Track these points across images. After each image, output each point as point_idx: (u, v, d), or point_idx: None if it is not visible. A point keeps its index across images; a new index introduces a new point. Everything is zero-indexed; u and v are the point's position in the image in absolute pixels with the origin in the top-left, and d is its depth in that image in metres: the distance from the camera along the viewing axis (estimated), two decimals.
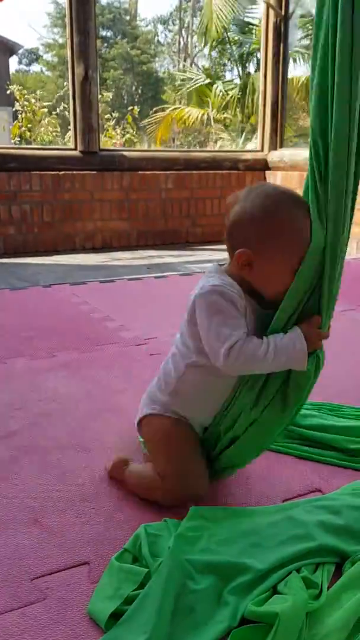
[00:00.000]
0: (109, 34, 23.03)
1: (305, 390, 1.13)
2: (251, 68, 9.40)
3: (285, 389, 1.11)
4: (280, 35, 5.33)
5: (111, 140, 7.60)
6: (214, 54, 11.73)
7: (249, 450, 1.19)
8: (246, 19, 8.88)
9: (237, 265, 1.08)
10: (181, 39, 20.93)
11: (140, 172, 4.84)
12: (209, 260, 4.28)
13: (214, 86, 9.42)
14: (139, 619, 0.88)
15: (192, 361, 1.15)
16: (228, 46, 9.81)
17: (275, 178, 5.29)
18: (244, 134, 8.97)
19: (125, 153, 4.94)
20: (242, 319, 1.07)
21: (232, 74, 11.35)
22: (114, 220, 4.80)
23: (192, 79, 10.06)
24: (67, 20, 4.56)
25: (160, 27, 23.30)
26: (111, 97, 11.95)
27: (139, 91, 21.33)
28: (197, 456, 1.17)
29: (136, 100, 20.24)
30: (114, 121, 8.30)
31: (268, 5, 5.32)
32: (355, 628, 0.86)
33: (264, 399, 1.11)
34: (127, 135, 7.87)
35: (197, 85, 9.78)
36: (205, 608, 0.91)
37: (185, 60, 19.21)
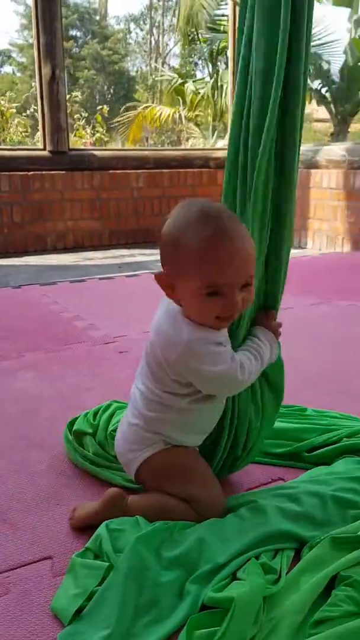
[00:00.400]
0: (79, 33, 22.91)
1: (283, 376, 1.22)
2: (222, 66, 9.45)
3: (267, 383, 1.20)
4: None
5: (82, 139, 7.57)
6: (185, 52, 11.77)
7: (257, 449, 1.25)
8: (215, 17, 8.92)
9: (162, 288, 1.02)
10: (152, 38, 20.91)
11: (110, 171, 4.84)
12: None
13: (185, 85, 9.45)
14: (100, 614, 0.89)
15: (175, 405, 1.09)
16: (198, 44, 9.86)
17: None
18: (216, 132, 9.01)
19: (95, 152, 4.93)
20: (227, 349, 1.06)
21: (203, 72, 11.42)
22: (85, 219, 4.79)
23: (164, 78, 10.09)
24: (33, 20, 4.53)
25: (131, 26, 23.24)
26: (83, 96, 11.90)
27: (111, 90, 21.25)
28: (211, 472, 1.16)
29: (108, 99, 20.17)
30: (84, 121, 8.26)
31: (235, 3, 5.35)
32: (311, 610, 0.89)
33: (257, 400, 1.19)
34: (97, 135, 7.85)
35: (173, 85, 9.79)
36: (169, 600, 0.92)
37: (156, 60, 19.21)
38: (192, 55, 12.13)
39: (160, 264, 1.06)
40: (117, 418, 1.44)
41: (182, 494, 1.09)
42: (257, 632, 0.85)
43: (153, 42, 20.89)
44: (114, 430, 1.35)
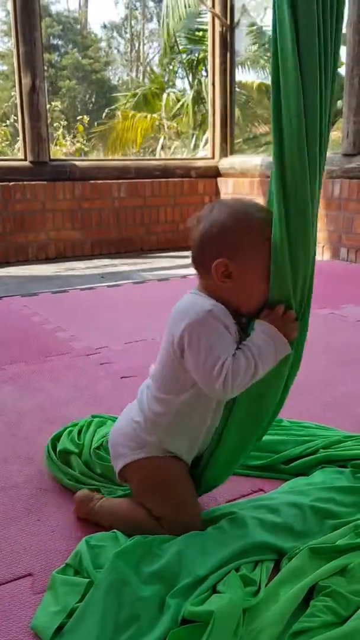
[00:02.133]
0: (61, 42, 22.92)
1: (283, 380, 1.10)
2: (202, 76, 9.54)
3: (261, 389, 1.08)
4: (227, 44, 5.43)
5: (62, 150, 7.56)
6: (166, 61, 11.85)
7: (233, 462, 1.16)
8: (195, 27, 9.01)
9: (216, 279, 1.02)
10: (133, 47, 21.01)
11: (92, 182, 4.84)
12: (164, 268, 4.32)
13: (165, 94, 9.51)
14: (80, 630, 0.89)
15: (185, 397, 1.07)
16: (177, 54, 9.94)
17: (226, 185, 5.37)
18: (194, 140, 9.07)
19: (76, 162, 4.94)
20: (233, 342, 1.02)
21: (184, 82, 11.52)
22: (67, 230, 4.79)
23: (145, 87, 10.14)
24: (12, 30, 4.53)
25: (111, 35, 23.30)
26: (64, 105, 11.87)
27: (93, 100, 21.28)
28: (193, 493, 1.13)
29: (90, 108, 20.18)
30: (64, 130, 8.26)
31: (213, 15, 5.41)
32: (290, 621, 0.89)
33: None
34: (78, 144, 7.85)
35: (144, 92, 9.83)
36: (149, 615, 0.92)
37: (138, 69, 19.29)
38: (172, 65, 12.23)
39: (199, 271, 1.08)
40: (100, 434, 1.43)
41: (157, 509, 1.09)
42: None
43: (134, 51, 20.98)
44: (98, 448, 1.36)
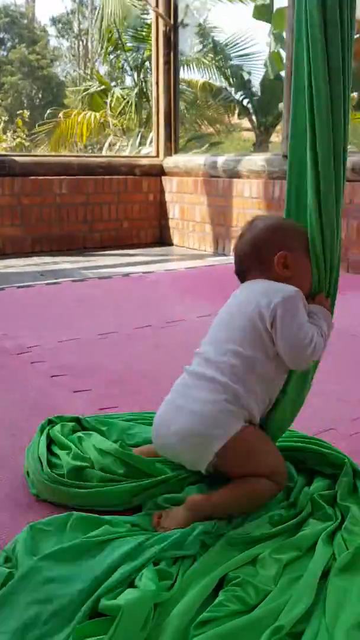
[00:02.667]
0: (7, 36, 22.41)
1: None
2: (148, 74, 9.54)
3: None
4: (171, 43, 5.43)
5: (2, 145, 7.38)
6: (111, 58, 11.77)
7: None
8: (140, 25, 8.98)
9: (277, 269, 1.20)
10: (81, 44, 20.76)
11: (32, 177, 4.75)
12: (106, 266, 4.28)
13: (111, 92, 9.43)
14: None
15: (266, 374, 1.17)
16: (122, 52, 9.88)
17: (171, 183, 5.38)
18: (139, 138, 9.04)
19: (16, 158, 4.83)
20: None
21: (130, 80, 11.46)
22: (6, 226, 4.67)
23: (91, 84, 10.03)
24: None
25: (59, 31, 22.93)
26: (8, 101, 11.61)
27: (40, 95, 20.90)
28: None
29: (36, 104, 19.82)
30: (4, 125, 8.07)
31: (157, 14, 5.40)
32: (198, 612, 0.89)
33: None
34: (18, 140, 7.68)
35: (91, 91, 9.73)
36: (67, 612, 0.89)
37: (86, 65, 19.08)
38: (116, 63, 12.18)
39: (252, 268, 1.25)
40: (100, 439, 1.35)
41: (265, 469, 1.14)
42: (146, 638, 0.85)
43: (82, 48, 20.74)
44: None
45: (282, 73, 4.22)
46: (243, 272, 1.26)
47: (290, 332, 1.14)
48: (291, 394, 1.23)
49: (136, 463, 1.23)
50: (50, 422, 1.42)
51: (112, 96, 9.47)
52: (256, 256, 1.22)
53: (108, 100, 9.48)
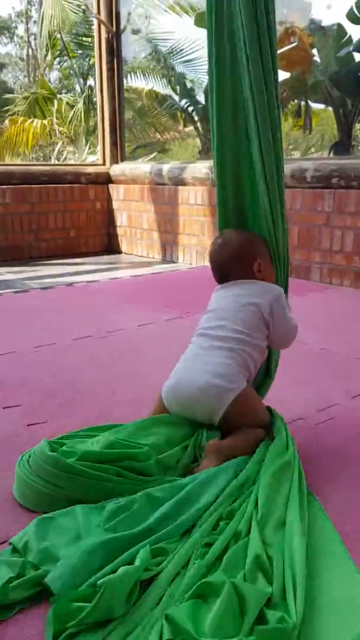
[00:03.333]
0: None
1: None
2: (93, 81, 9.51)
3: None
4: (114, 50, 5.43)
5: None
6: (57, 65, 11.70)
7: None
8: (83, 33, 8.95)
9: (255, 272, 1.57)
10: (29, 50, 20.53)
11: None
12: (51, 275, 4.22)
13: (57, 99, 9.35)
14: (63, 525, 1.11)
15: (261, 346, 1.52)
16: (67, 59, 9.83)
17: (118, 191, 5.36)
18: (88, 146, 8.99)
19: None
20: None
21: (78, 87, 11.38)
22: None
23: (34, 91, 9.92)
24: None
25: (5, 36, 22.58)
26: None
27: None
28: None
29: None
30: None
31: (99, 21, 5.39)
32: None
33: None
34: None
35: (35, 96, 9.63)
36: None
37: (35, 71, 18.87)
38: (64, 70, 12.10)
39: (236, 272, 1.59)
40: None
41: (258, 419, 1.47)
42: (128, 610, 0.93)
43: (30, 53, 20.50)
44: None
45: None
46: (225, 277, 1.61)
47: (284, 323, 1.54)
48: (272, 364, 1.66)
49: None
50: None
51: (59, 103, 9.38)
52: (237, 265, 1.58)
53: (54, 108, 9.38)
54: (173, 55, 8.62)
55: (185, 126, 8.78)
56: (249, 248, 1.58)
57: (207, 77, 8.25)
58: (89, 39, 8.67)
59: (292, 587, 0.93)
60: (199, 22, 7.90)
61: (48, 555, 1.04)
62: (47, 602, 0.98)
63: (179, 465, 1.35)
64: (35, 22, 19.67)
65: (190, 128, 9.95)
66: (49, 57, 10.59)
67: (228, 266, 1.59)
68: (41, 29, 9.04)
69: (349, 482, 1.36)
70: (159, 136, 9.90)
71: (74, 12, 8.49)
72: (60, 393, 1.90)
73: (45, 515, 1.15)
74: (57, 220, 5.18)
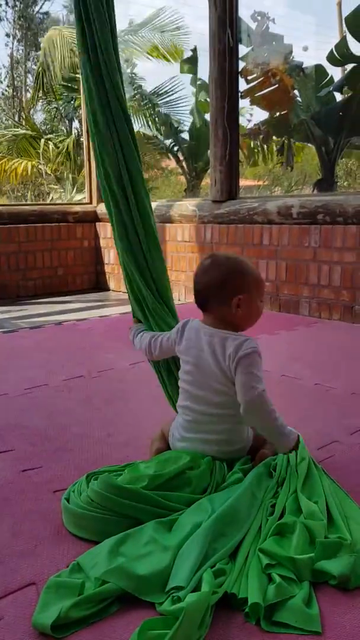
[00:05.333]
0: None
1: None
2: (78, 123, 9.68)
3: None
4: None
5: None
6: (42, 106, 11.91)
7: None
8: (71, 75, 9.14)
9: (233, 308, 1.46)
10: (15, 92, 20.89)
11: None
12: (39, 314, 4.20)
13: (42, 140, 9.47)
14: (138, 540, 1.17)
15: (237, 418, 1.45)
16: (54, 101, 10.02)
17: (105, 229, 5.40)
18: (76, 186, 9.08)
19: None
20: None
21: (64, 128, 11.56)
22: None
23: (25, 132, 10.05)
24: None
25: None
26: None
27: None
28: None
29: None
30: None
31: None
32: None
33: None
34: None
35: (19, 136, 9.75)
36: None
37: (20, 113, 19.18)
38: (44, 111, 12.32)
39: (210, 305, 1.51)
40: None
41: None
42: (202, 633, 0.97)
43: (16, 95, 20.86)
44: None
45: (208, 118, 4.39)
46: (204, 303, 1.51)
47: (243, 378, 1.41)
48: None
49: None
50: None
51: (45, 144, 9.50)
52: (216, 294, 1.48)
53: (40, 150, 9.50)
54: (157, 96, 8.83)
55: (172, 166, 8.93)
56: (233, 279, 1.47)
57: (190, 117, 8.49)
58: (77, 82, 8.86)
59: (343, 521, 1.23)
60: (183, 69, 8.14)
61: (122, 571, 1.07)
62: (105, 621, 1.02)
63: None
64: (17, 62, 20.10)
65: (175, 166, 10.13)
66: (33, 99, 10.80)
67: (207, 294, 1.49)
68: (42, 74, 9.23)
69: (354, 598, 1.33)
70: (146, 174, 10.06)
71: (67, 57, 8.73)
72: (54, 437, 1.85)
73: (115, 537, 1.18)
74: (44, 258, 5.18)
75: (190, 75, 8.09)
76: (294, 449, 1.44)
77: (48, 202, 9.09)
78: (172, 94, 8.75)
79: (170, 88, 8.83)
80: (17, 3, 19.10)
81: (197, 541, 1.14)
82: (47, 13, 20.04)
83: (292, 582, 1.08)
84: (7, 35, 19.43)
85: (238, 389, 1.40)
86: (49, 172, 9.67)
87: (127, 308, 4.44)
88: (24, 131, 9.84)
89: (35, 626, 0.99)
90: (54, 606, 1.01)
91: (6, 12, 19.15)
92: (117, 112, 1.59)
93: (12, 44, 19.82)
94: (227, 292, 1.46)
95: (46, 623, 0.98)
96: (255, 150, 7.97)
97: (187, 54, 8.40)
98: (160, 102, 8.79)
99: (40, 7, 19.92)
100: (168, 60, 8.98)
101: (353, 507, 1.32)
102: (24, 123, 11.48)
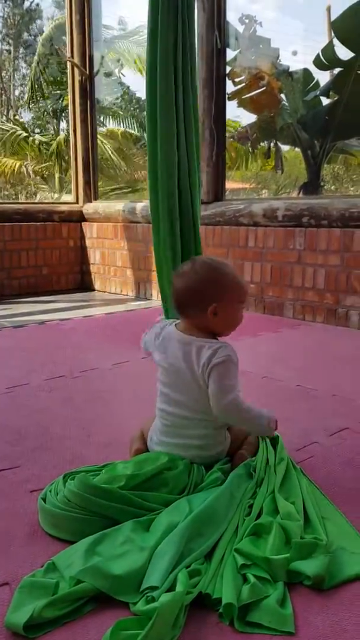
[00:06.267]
0: None
1: None
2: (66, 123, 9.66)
3: None
4: (87, 92, 5.52)
5: None
6: (35, 107, 11.84)
7: None
8: (57, 76, 9.12)
9: (209, 315, 1.44)
10: (2, 91, 20.79)
11: None
12: (23, 313, 4.17)
13: (30, 139, 9.42)
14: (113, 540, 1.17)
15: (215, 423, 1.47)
16: (42, 100, 9.98)
17: (91, 229, 5.38)
18: (64, 185, 9.06)
19: None
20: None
21: (51, 127, 11.52)
22: None
23: (11, 131, 10.00)
24: None
25: None
26: None
27: None
28: None
29: None
30: None
31: (73, 64, 5.49)
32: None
33: None
34: None
35: (19, 138, 9.70)
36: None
37: (8, 112, 19.09)
38: (31, 109, 12.27)
39: (187, 311, 1.50)
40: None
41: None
42: (176, 633, 0.97)
43: (4, 94, 20.75)
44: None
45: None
46: (181, 309, 1.50)
47: (217, 385, 1.41)
48: None
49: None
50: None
51: (31, 143, 9.46)
52: (192, 302, 1.47)
53: (28, 149, 9.46)
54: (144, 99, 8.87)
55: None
56: (209, 287, 1.45)
57: None
58: (63, 81, 8.84)
59: (319, 522, 1.26)
60: None
61: (98, 571, 1.07)
62: (78, 621, 1.02)
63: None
64: (4, 60, 20.00)
65: None
66: (25, 99, 10.75)
67: (183, 301, 1.49)
68: (34, 71, 9.19)
69: (326, 598, 1.34)
70: (132, 175, 10.04)
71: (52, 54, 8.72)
72: (33, 436, 1.84)
73: (92, 536, 1.18)
74: (29, 257, 5.15)
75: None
76: (275, 429, 1.52)
77: (35, 201, 9.07)
78: None
79: None
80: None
81: (173, 541, 1.14)
82: (36, 9, 19.92)
83: (266, 583, 1.09)
84: None
85: (210, 397, 1.40)
86: (36, 172, 9.63)
87: (112, 308, 4.44)
88: (15, 129, 9.78)
89: (7, 626, 0.99)
90: (27, 606, 1.00)
91: None
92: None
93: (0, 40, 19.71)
94: (203, 300, 1.44)
95: (19, 622, 0.97)
96: (242, 153, 8.00)
97: None
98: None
99: (30, 4, 19.83)
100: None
101: (330, 508, 1.35)
102: (12, 122, 11.42)
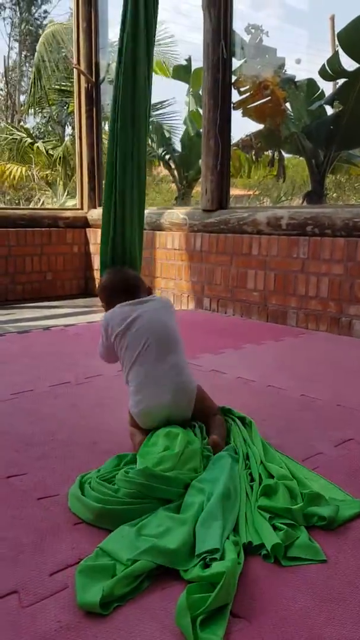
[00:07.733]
0: None
1: None
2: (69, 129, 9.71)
3: None
4: (93, 99, 5.56)
5: None
6: (35, 111, 11.91)
7: None
8: (63, 83, 9.18)
9: (147, 292, 2.02)
10: (8, 97, 20.88)
11: None
12: (27, 319, 4.18)
13: (36, 145, 9.47)
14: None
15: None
16: (47, 107, 10.02)
17: (95, 235, 5.40)
18: (67, 191, 9.09)
19: None
20: None
21: (64, 132, 11.58)
22: None
23: (15, 137, 10.05)
24: None
25: None
26: None
27: None
28: None
29: None
30: None
31: (79, 72, 5.53)
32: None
33: None
34: None
35: (24, 145, 9.74)
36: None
37: (12, 118, 19.17)
38: (37, 115, 12.35)
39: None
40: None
41: (212, 404, 1.88)
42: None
43: (9, 100, 20.84)
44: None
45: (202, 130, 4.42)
46: (134, 289, 1.96)
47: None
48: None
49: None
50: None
51: (36, 149, 9.51)
52: (140, 286, 2.01)
53: (34, 154, 9.50)
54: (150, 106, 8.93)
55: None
56: (140, 279, 2.06)
57: (184, 126, 8.56)
58: (68, 88, 8.89)
59: (306, 481, 1.52)
60: (176, 74, 8.21)
61: (156, 549, 1.19)
62: (140, 597, 1.12)
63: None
64: (13, 68, 20.11)
65: (166, 173, 10.17)
66: (27, 104, 10.79)
67: (137, 285, 2.00)
68: (34, 79, 9.24)
69: (337, 535, 1.35)
70: None
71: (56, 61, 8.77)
72: (39, 443, 1.85)
73: (130, 524, 1.31)
74: (34, 263, 5.17)
75: (181, 82, 8.19)
76: None
77: (39, 206, 9.10)
78: (166, 105, 8.86)
79: (163, 97, 8.96)
80: (19, 7, 19.15)
81: (213, 513, 1.31)
82: (45, 14, 20.01)
83: (294, 527, 1.33)
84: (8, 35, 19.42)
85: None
86: (41, 177, 9.66)
87: None
88: (21, 135, 9.82)
89: (82, 606, 1.07)
90: (95, 586, 1.10)
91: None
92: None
93: (9, 45, 19.81)
94: (143, 285, 2.03)
95: (94, 601, 1.06)
96: (246, 161, 8.05)
97: (182, 63, 8.50)
98: (153, 111, 8.93)
99: (36, 10, 19.94)
100: (157, 73, 9.12)
101: (306, 471, 1.62)
102: (17, 128, 11.46)
